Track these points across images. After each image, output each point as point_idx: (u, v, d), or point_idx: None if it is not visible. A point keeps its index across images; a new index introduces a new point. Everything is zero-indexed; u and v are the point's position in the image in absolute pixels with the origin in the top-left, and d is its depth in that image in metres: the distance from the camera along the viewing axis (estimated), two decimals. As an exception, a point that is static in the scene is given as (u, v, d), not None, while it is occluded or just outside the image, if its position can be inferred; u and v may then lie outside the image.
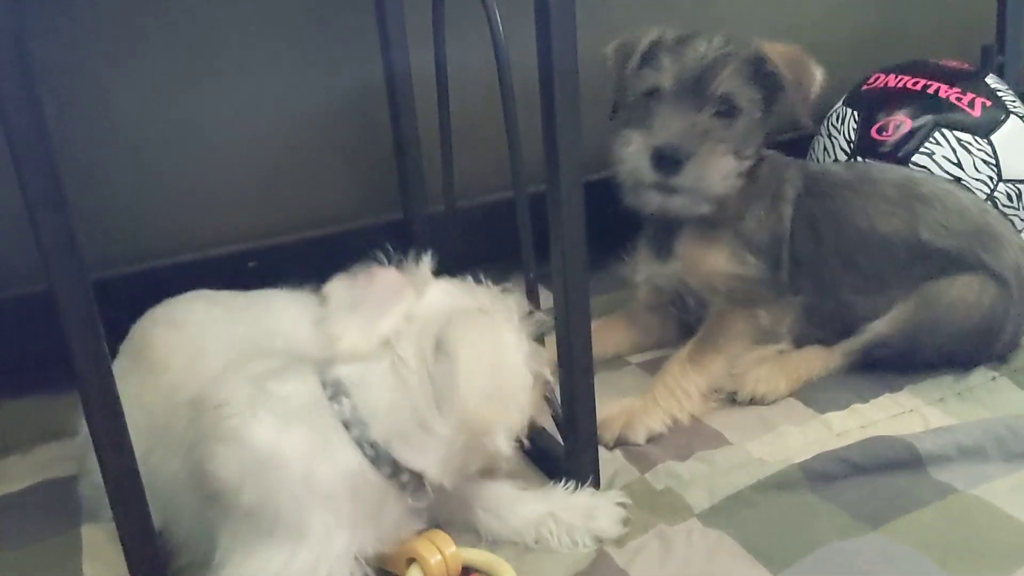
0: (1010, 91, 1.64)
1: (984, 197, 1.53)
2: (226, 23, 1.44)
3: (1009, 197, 1.56)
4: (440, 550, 0.95)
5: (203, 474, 0.89)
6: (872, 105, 1.62)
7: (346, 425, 0.90)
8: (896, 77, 1.64)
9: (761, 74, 1.26)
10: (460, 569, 0.97)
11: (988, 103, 1.58)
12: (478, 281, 1.00)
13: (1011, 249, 1.32)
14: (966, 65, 1.67)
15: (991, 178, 1.54)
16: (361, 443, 0.90)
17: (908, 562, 0.97)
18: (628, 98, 1.30)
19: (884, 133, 1.58)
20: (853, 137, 1.61)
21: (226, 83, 1.45)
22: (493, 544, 1.03)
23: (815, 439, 1.18)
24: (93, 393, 0.85)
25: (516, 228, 1.14)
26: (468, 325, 0.90)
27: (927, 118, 1.56)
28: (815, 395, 1.28)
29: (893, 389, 1.28)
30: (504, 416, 0.91)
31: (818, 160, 1.68)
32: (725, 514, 1.05)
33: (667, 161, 1.21)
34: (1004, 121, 1.56)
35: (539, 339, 1.01)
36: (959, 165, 1.54)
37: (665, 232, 1.35)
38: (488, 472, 1.02)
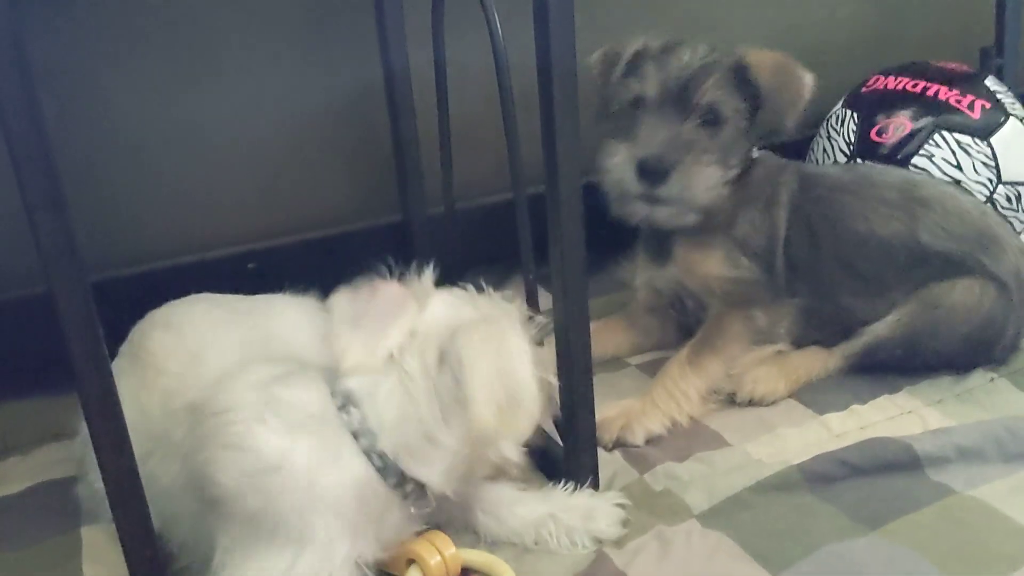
0: (1009, 93, 1.64)
1: (983, 199, 1.53)
2: (226, 23, 1.44)
3: (1008, 199, 1.56)
4: (440, 551, 0.95)
5: (204, 479, 0.89)
6: (871, 107, 1.62)
7: (355, 435, 0.91)
8: (895, 79, 1.64)
9: (746, 82, 1.25)
10: (459, 570, 0.97)
11: (987, 105, 1.58)
12: (479, 288, 1.01)
13: (1011, 252, 1.32)
14: (965, 67, 1.67)
15: (990, 180, 1.55)
16: (370, 453, 0.91)
17: (906, 563, 0.97)
18: (613, 107, 1.30)
19: (883, 135, 1.58)
20: (852, 139, 1.62)
21: (226, 84, 1.45)
22: (492, 545, 1.03)
23: (814, 440, 1.18)
24: (93, 394, 0.85)
25: (515, 230, 1.14)
26: (475, 336, 0.91)
27: (926, 120, 1.56)
28: (814, 396, 1.28)
29: (892, 391, 1.28)
30: (514, 425, 0.91)
31: (817, 162, 1.68)
32: (724, 515, 1.05)
33: (652, 172, 1.21)
34: (1003, 123, 1.56)
35: (539, 343, 1.01)
36: (958, 167, 1.54)
37: (661, 237, 1.35)
38: (489, 474, 1.02)
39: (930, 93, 1.59)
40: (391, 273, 0.98)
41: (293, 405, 0.91)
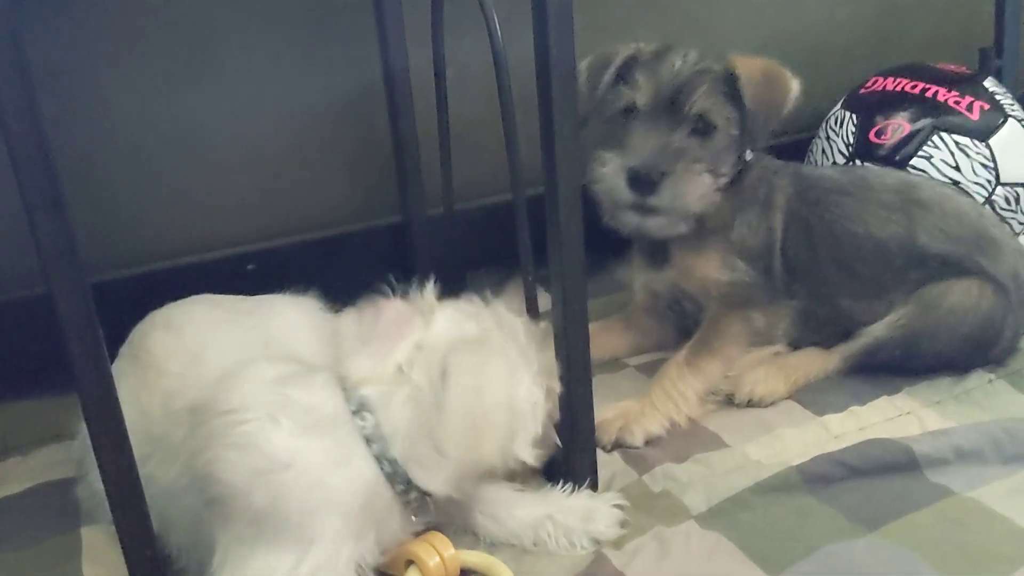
0: (1008, 94, 1.64)
1: (982, 200, 1.53)
2: (226, 23, 1.44)
3: (1007, 200, 1.56)
4: (439, 552, 0.96)
5: (208, 478, 0.89)
6: (870, 108, 1.62)
7: (367, 440, 0.92)
8: (894, 80, 1.64)
9: (736, 89, 1.25)
10: (458, 571, 0.98)
11: (986, 107, 1.58)
12: (483, 299, 1.03)
13: (1008, 254, 1.32)
14: (964, 69, 1.67)
15: (989, 181, 1.55)
16: (380, 459, 0.92)
17: (905, 564, 0.97)
18: (603, 114, 1.30)
19: (882, 136, 1.58)
20: (851, 140, 1.62)
21: (226, 84, 1.45)
22: (491, 546, 1.03)
23: (813, 441, 1.18)
24: (92, 395, 0.85)
25: (514, 231, 1.14)
26: (462, 358, 0.93)
27: (925, 121, 1.56)
28: (813, 397, 1.28)
29: (890, 392, 1.28)
30: (480, 448, 0.94)
31: (816, 163, 1.68)
32: (723, 516, 1.05)
33: (643, 181, 1.21)
34: (1002, 124, 1.57)
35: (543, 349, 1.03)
36: (957, 168, 1.54)
37: (658, 240, 1.34)
38: (496, 476, 1.03)
39: (929, 94, 1.59)
40: (393, 290, 1.00)
41: (307, 407, 0.92)
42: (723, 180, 1.27)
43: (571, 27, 0.91)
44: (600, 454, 1.14)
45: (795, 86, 1.27)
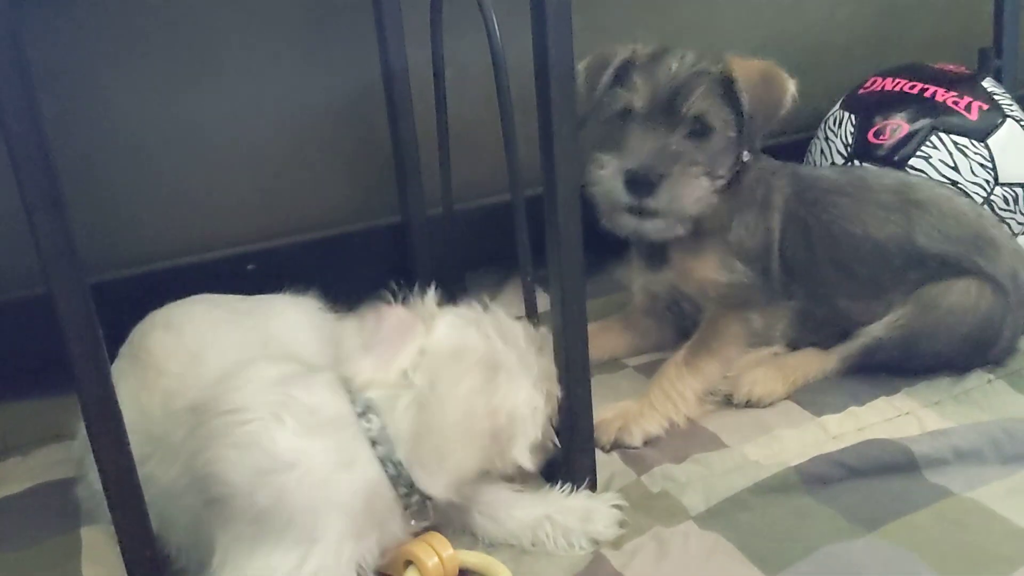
0: (1007, 95, 1.64)
1: (981, 201, 1.53)
2: (226, 23, 1.44)
3: (1006, 200, 1.56)
4: (437, 553, 0.96)
5: (209, 477, 0.89)
6: (869, 109, 1.62)
7: (373, 442, 0.93)
8: (893, 81, 1.64)
9: (733, 91, 1.25)
10: (457, 572, 0.98)
11: (985, 107, 1.58)
12: (483, 305, 1.04)
13: (1007, 254, 1.32)
14: (963, 69, 1.67)
15: (988, 182, 1.55)
16: (385, 461, 0.93)
17: (904, 565, 0.97)
18: (601, 116, 1.30)
19: (881, 136, 1.58)
20: (850, 140, 1.62)
21: (226, 84, 1.45)
22: (490, 547, 1.03)
23: (811, 442, 1.18)
24: (92, 396, 0.85)
25: (513, 231, 1.14)
26: (463, 365, 0.96)
27: (924, 122, 1.56)
28: (811, 398, 1.28)
29: (889, 392, 1.28)
30: (483, 455, 0.97)
31: (815, 163, 1.68)
32: (721, 517, 1.05)
33: (640, 184, 1.21)
34: (1001, 125, 1.57)
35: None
36: (956, 169, 1.54)
37: (656, 242, 1.35)
38: (486, 477, 1.03)
39: (927, 95, 1.59)
40: (395, 296, 1.01)
41: (311, 407, 0.93)
42: (720, 182, 1.27)
43: (569, 27, 0.91)
44: (599, 454, 1.14)
45: (792, 87, 1.26)
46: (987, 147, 1.55)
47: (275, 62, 1.48)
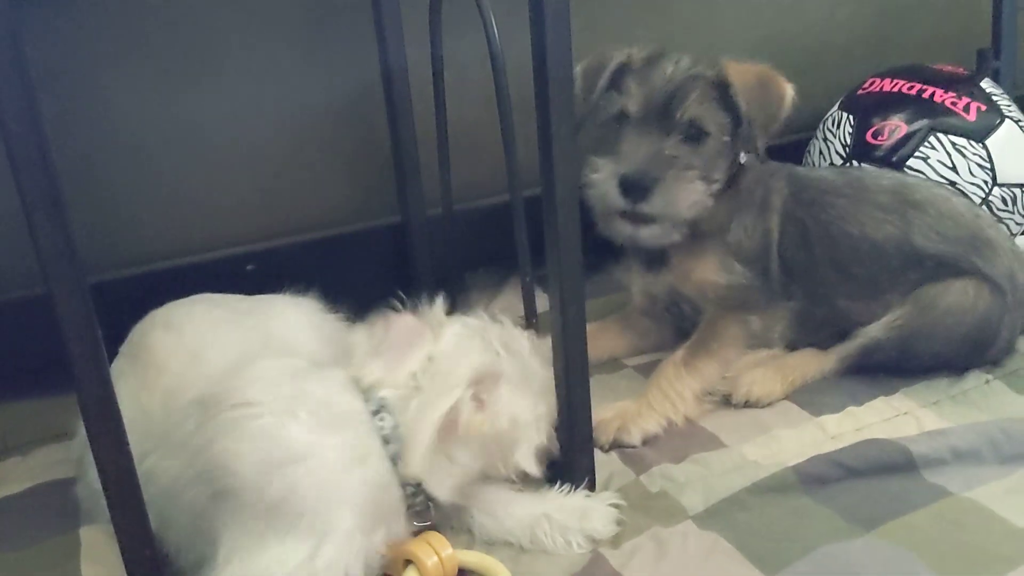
0: (1005, 95, 1.64)
1: (979, 201, 1.54)
2: (226, 23, 1.44)
3: (1004, 201, 1.57)
4: (436, 552, 0.96)
5: (220, 469, 0.90)
6: (868, 109, 1.62)
7: (385, 440, 0.95)
8: (891, 81, 1.64)
9: (729, 95, 1.25)
10: (456, 571, 0.98)
11: (983, 107, 1.58)
12: (490, 313, 1.07)
13: (1004, 255, 1.32)
14: (961, 70, 1.68)
15: (986, 182, 1.55)
16: (396, 459, 0.95)
17: (902, 565, 0.97)
18: (597, 120, 1.30)
19: (879, 137, 1.58)
20: (849, 141, 1.62)
21: (226, 84, 1.46)
22: (488, 545, 1.04)
23: (810, 442, 1.18)
24: (91, 395, 0.85)
25: (513, 231, 1.15)
26: (470, 371, 0.97)
27: (922, 122, 1.56)
28: (810, 398, 1.28)
29: (887, 392, 1.28)
30: (488, 460, 1.00)
31: (814, 164, 1.68)
32: (720, 516, 1.06)
33: (635, 188, 1.21)
34: (999, 125, 1.57)
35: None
36: (954, 169, 1.54)
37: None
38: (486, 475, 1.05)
39: (926, 95, 1.59)
40: (403, 304, 1.04)
41: (324, 402, 0.94)
42: (716, 186, 1.27)
43: (568, 28, 0.91)
44: (598, 454, 1.14)
45: (790, 90, 1.26)
46: (985, 148, 1.55)
47: (275, 62, 1.48)
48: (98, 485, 0.90)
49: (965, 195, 1.50)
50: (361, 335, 1.03)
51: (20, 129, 0.76)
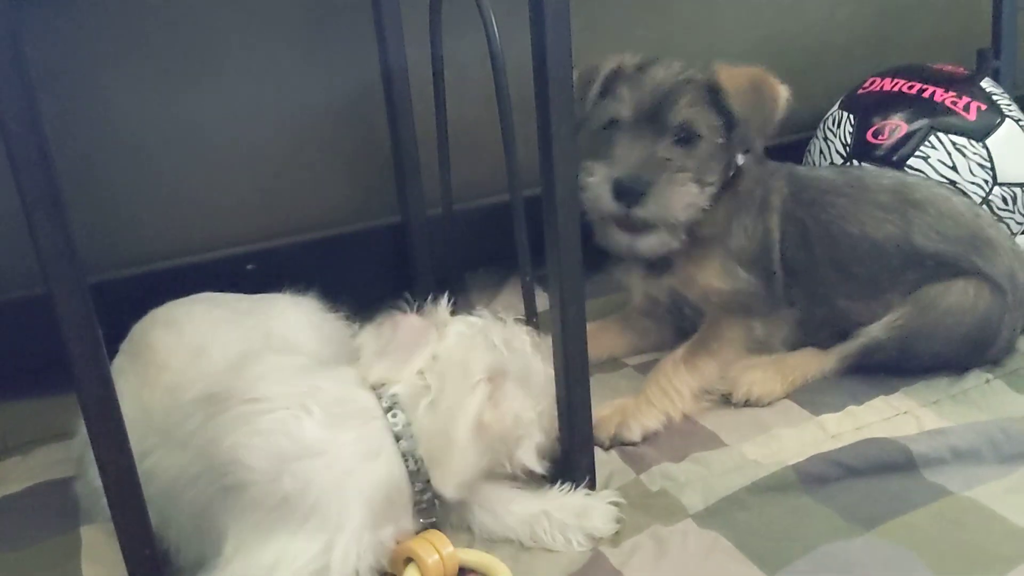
0: (1005, 95, 1.64)
1: (979, 201, 1.54)
2: (226, 23, 1.44)
3: (1004, 200, 1.57)
4: (437, 550, 0.96)
5: (231, 464, 0.90)
6: (868, 109, 1.62)
7: (397, 437, 0.96)
8: (892, 81, 1.64)
9: (721, 98, 1.25)
10: (457, 569, 0.98)
11: (983, 107, 1.58)
12: (494, 313, 1.08)
13: (1004, 254, 1.32)
14: (961, 69, 1.68)
15: (986, 182, 1.55)
16: (407, 456, 0.96)
17: (902, 564, 0.97)
18: (591, 127, 1.30)
19: (880, 137, 1.58)
20: (849, 140, 1.62)
21: (226, 84, 1.46)
22: (488, 543, 1.04)
23: (810, 441, 1.18)
24: (91, 395, 0.85)
25: (513, 231, 1.15)
26: (463, 377, 0.98)
27: (922, 122, 1.57)
28: (810, 397, 1.28)
29: (887, 391, 1.28)
30: (491, 457, 1.01)
31: (814, 163, 1.68)
32: (720, 515, 1.06)
33: (628, 192, 1.22)
34: (999, 125, 1.57)
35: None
36: (954, 169, 1.54)
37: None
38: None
39: (926, 95, 1.59)
40: (409, 305, 1.05)
41: (337, 398, 0.95)
42: (711, 188, 1.27)
43: (568, 28, 0.91)
44: (598, 453, 1.14)
45: (784, 92, 1.26)
46: (985, 147, 1.55)
47: (275, 62, 1.48)
48: (98, 483, 0.91)
49: (965, 194, 1.50)
50: (368, 335, 1.04)
51: (20, 129, 0.76)
